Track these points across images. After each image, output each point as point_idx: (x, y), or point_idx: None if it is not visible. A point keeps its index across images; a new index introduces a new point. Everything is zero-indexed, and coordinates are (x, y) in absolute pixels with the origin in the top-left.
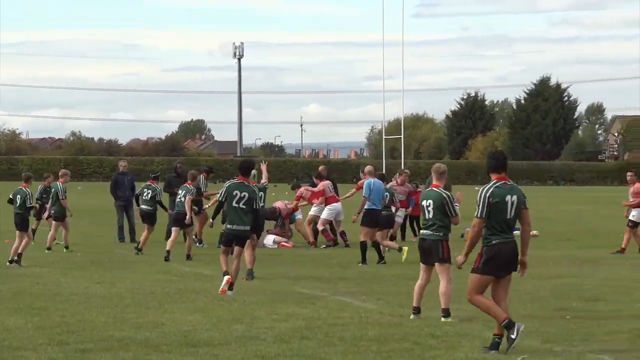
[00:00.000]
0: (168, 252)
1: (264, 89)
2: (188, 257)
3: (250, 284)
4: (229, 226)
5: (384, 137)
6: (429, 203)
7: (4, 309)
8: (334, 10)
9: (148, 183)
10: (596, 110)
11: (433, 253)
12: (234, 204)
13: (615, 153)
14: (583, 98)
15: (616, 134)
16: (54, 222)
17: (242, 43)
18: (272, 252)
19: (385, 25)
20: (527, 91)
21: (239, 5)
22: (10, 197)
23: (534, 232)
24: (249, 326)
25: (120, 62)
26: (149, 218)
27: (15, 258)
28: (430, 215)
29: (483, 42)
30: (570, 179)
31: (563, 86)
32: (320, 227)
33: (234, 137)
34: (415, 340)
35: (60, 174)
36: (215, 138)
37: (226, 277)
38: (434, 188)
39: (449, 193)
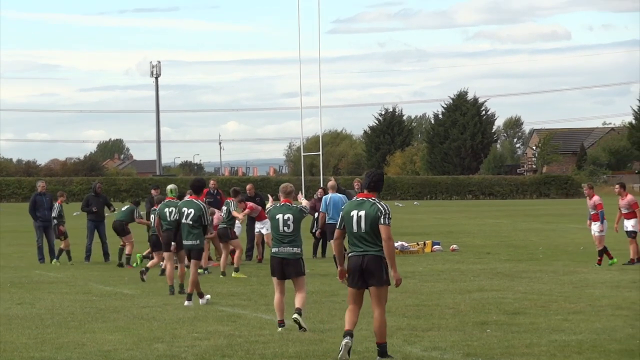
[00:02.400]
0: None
1: (181, 107)
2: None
3: (172, 303)
4: (184, 242)
5: (302, 154)
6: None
7: None
8: (250, 28)
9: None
10: (514, 124)
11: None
12: (183, 220)
13: (534, 166)
14: (500, 112)
15: (534, 148)
16: None
17: (159, 62)
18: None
19: (301, 42)
20: (445, 106)
21: (156, 24)
22: None
23: (454, 246)
24: (170, 345)
25: (36, 83)
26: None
27: None
28: (290, 230)
29: (399, 58)
30: (490, 192)
31: (480, 100)
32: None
33: (153, 156)
34: (336, 357)
35: (58, 194)
36: (134, 157)
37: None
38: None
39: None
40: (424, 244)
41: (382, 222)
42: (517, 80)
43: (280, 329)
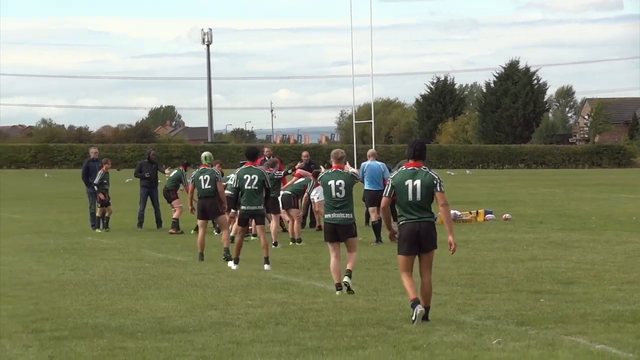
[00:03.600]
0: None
1: (233, 74)
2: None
3: (225, 270)
4: (244, 207)
5: (354, 121)
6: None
7: None
8: None
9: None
10: (566, 93)
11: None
12: (246, 186)
13: (586, 136)
14: (552, 81)
15: (586, 117)
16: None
17: (211, 29)
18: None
19: (353, 10)
20: (496, 75)
21: None
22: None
23: (507, 215)
24: (224, 312)
25: (87, 49)
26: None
27: None
28: (342, 195)
29: (451, 26)
30: (542, 162)
31: (532, 69)
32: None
33: (204, 123)
34: (390, 325)
35: (102, 161)
36: (186, 124)
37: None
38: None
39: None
40: (477, 212)
41: (438, 189)
42: (569, 49)
43: (337, 292)
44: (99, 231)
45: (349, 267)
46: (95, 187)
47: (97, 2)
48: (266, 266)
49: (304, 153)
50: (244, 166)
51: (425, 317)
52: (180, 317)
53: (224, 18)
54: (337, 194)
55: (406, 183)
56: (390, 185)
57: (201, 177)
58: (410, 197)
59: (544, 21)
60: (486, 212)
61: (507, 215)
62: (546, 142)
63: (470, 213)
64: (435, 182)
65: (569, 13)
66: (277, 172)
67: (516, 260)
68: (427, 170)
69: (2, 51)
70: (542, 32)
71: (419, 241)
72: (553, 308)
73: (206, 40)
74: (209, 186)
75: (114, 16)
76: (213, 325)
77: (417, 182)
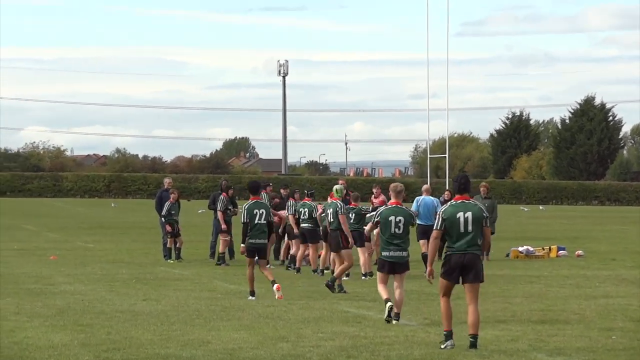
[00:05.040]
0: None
1: (308, 106)
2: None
3: (297, 302)
4: (251, 241)
5: (428, 155)
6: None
7: (49, 326)
8: (378, 29)
9: (303, 201)
10: None
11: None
12: (256, 221)
13: None
14: (628, 118)
15: None
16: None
17: (287, 61)
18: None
19: (429, 44)
20: (572, 111)
21: (284, 23)
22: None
23: (580, 251)
24: (295, 345)
25: (163, 79)
26: (311, 236)
27: None
28: (400, 232)
29: (527, 61)
30: (616, 198)
31: (608, 106)
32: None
33: (278, 155)
34: (460, 359)
35: (170, 192)
36: (260, 156)
37: (275, 285)
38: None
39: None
40: (549, 248)
41: (486, 224)
42: None
43: (388, 304)
44: (171, 261)
45: (397, 310)
46: (164, 218)
47: (174, 32)
48: (251, 297)
49: (376, 187)
50: (251, 201)
51: (473, 345)
52: (252, 349)
53: (300, 49)
54: (396, 229)
55: (457, 215)
56: (440, 218)
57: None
58: (462, 229)
59: (620, 57)
60: (559, 249)
61: (580, 251)
62: (620, 179)
63: (543, 249)
64: (484, 215)
65: None
66: (364, 207)
67: (588, 297)
68: (477, 203)
69: (80, 79)
70: (618, 68)
71: (461, 272)
72: (625, 345)
73: (282, 71)
74: (332, 219)
75: (191, 47)
76: (284, 358)
77: (469, 215)
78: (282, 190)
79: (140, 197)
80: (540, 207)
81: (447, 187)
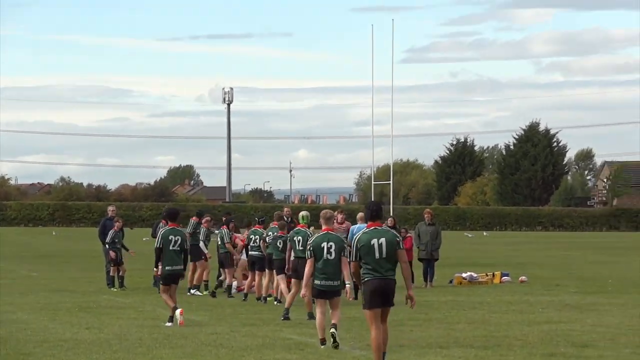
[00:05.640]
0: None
1: (252, 134)
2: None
3: (240, 330)
4: (167, 267)
5: (372, 182)
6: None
7: None
8: (323, 57)
9: (254, 228)
10: (585, 156)
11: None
12: (170, 247)
13: (604, 199)
14: (572, 144)
15: (605, 180)
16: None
17: (232, 88)
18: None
19: (374, 71)
20: (516, 137)
21: (229, 51)
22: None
23: (523, 277)
24: None
25: (108, 107)
26: (261, 264)
27: None
28: (332, 257)
29: (472, 88)
30: (560, 224)
31: (552, 132)
32: None
33: (223, 182)
34: None
35: (114, 220)
36: (204, 183)
37: (179, 310)
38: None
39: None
40: (493, 274)
41: (399, 247)
42: (589, 112)
43: (322, 346)
44: (115, 290)
45: (334, 321)
46: (107, 246)
47: (118, 60)
48: (169, 324)
49: (335, 212)
50: (167, 227)
51: None
52: None
53: (246, 77)
54: (328, 255)
55: (372, 242)
56: (355, 248)
57: (295, 238)
58: (377, 255)
59: (565, 83)
60: (502, 274)
61: (524, 277)
62: (564, 205)
63: (487, 275)
64: (397, 239)
65: (590, 75)
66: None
67: (531, 322)
68: (389, 229)
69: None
70: (562, 94)
71: (382, 297)
72: None
73: (227, 99)
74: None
75: (136, 75)
76: None
77: (382, 240)
78: (223, 219)
79: (85, 225)
80: (485, 233)
81: (391, 214)
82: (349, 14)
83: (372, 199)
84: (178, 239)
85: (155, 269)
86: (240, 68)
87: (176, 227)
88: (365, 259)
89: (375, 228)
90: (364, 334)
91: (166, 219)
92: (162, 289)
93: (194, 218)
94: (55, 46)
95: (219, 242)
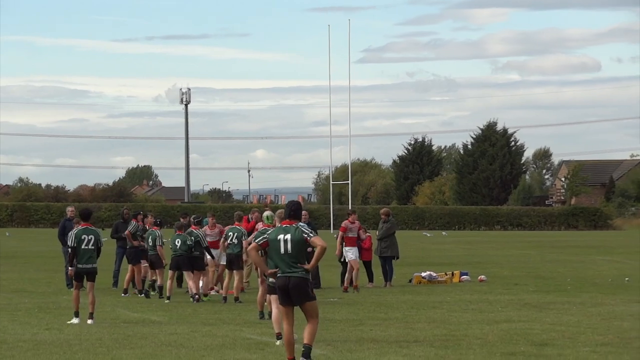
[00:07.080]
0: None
1: (210, 134)
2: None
3: (200, 330)
4: (79, 265)
5: (331, 182)
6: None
7: None
8: (280, 57)
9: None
10: (543, 155)
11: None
12: (83, 246)
13: (563, 198)
14: (530, 143)
15: (563, 179)
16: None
17: (189, 89)
18: (220, 297)
19: (331, 71)
20: (474, 136)
21: (185, 51)
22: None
23: (482, 276)
24: None
25: (65, 108)
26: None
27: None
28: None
29: (429, 88)
30: (518, 223)
31: (510, 131)
32: None
33: (181, 183)
34: None
35: (74, 221)
36: (163, 184)
37: (77, 319)
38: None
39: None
40: (452, 274)
41: (309, 237)
42: (547, 111)
43: (278, 342)
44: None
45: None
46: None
47: (75, 61)
48: (90, 321)
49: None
50: (80, 227)
51: (306, 355)
52: None
53: (203, 77)
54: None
55: (279, 237)
56: (264, 235)
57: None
58: (282, 250)
59: (522, 83)
60: (462, 274)
61: (483, 276)
62: (523, 204)
63: (446, 274)
64: (304, 234)
65: (547, 75)
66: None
67: (491, 321)
68: (298, 226)
69: None
70: (519, 93)
71: (289, 295)
72: None
73: (184, 100)
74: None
75: (93, 75)
76: None
77: (288, 237)
78: (181, 219)
79: (44, 226)
80: (443, 233)
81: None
82: (305, 14)
83: (331, 199)
84: (91, 237)
85: (71, 268)
86: (197, 69)
87: (89, 226)
88: (270, 254)
89: (286, 226)
90: (323, 334)
91: (79, 218)
92: (74, 285)
93: (134, 219)
94: (11, 47)
95: (150, 244)
